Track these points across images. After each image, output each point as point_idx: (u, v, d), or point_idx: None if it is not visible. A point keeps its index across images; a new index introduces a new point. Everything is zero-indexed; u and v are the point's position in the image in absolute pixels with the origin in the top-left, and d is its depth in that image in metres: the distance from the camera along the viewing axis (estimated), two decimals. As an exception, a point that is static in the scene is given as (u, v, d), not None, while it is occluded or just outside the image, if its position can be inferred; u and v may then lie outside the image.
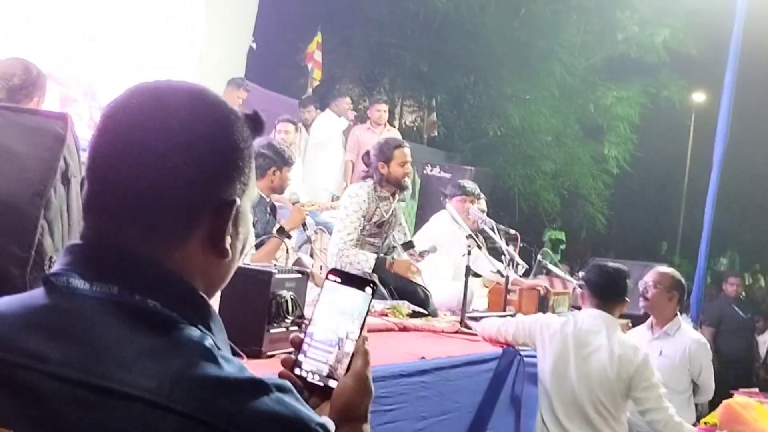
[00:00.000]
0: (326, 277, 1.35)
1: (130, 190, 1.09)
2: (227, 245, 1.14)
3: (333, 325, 1.31)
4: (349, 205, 5.55)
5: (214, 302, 3.31)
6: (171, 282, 1.09)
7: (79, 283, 1.07)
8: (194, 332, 1.07)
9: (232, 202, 1.13)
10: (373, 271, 5.38)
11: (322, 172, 9.28)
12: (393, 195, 5.66)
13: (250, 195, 1.18)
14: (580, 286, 4.91)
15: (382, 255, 5.53)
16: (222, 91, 8.97)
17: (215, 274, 1.16)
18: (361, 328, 1.30)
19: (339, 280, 1.34)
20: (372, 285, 1.33)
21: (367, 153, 5.75)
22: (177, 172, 1.08)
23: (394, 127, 9.66)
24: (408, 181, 5.68)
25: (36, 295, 1.09)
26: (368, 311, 1.31)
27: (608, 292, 4.60)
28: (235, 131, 1.14)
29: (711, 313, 9.97)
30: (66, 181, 2.26)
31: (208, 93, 1.17)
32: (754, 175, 18.85)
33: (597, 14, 16.98)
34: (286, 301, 3.21)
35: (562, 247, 16.26)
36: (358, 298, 1.32)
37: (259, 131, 1.21)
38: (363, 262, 5.39)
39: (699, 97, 20.56)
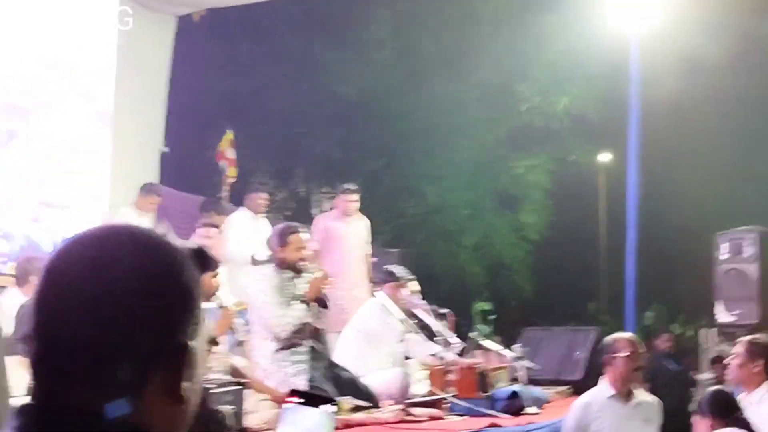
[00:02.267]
0: (286, 399, 1.34)
1: (79, 347, 1.04)
2: (184, 391, 1.09)
3: None
4: (260, 282, 5.77)
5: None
6: None
7: None
8: None
9: (185, 345, 1.09)
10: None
11: (247, 271, 9.02)
12: (295, 275, 5.87)
13: (202, 333, 1.13)
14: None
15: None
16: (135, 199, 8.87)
17: (174, 421, 1.11)
18: None
19: (300, 400, 1.32)
20: (333, 402, 1.31)
21: (270, 238, 6.03)
22: (126, 324, 1.04)
23: (357, 215, 9.11)
24: (305, 265, 5.85)
25: None
26: (333, 429, 1.30)
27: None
28: (184, 273, 1.10)
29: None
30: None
31: (152, 236, 1.13)
32: (668, 227, 19.30)
33: (498, 88, 17.42)
34: (224, 416, 3.12)
35: (492, 317, 16.31)
36: (321, 416, 1.30)
37: (207, 267, 1.16)
38: (298, 313, 5.67)
39: (605, 157, 21.11)
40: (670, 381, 9.99)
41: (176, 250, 1.12)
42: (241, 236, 9.17)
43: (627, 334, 5.81)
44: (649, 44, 11.07)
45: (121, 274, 1.05)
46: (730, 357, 5.01)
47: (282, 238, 5.84)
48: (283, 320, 5.55)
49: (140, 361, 1.05)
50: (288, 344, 5.65)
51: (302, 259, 5.87)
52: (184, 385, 1.09)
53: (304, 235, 6.00)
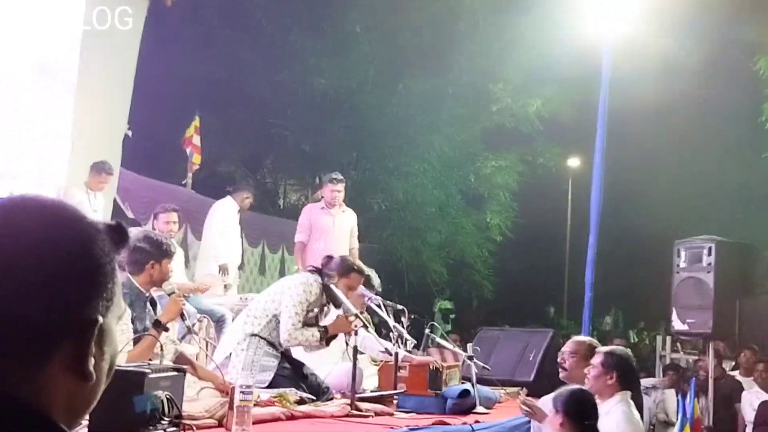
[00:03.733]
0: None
1: None
2: (91, 368, 1.05)
3: None
4: (297, 293, 5.71)
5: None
6: (24, 415, 1.00)
7: None
8: None
9: (94, 321, 1.05)
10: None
11: (224, 259, 8.95)
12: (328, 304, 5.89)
13: (115, 311, 1.10)
14: None
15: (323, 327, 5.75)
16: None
17: (79, 398, 1.07)
18: None
19: None
20: None
21: (330, 257, 6.02)
22: (29, 294, 1.01)
23: (342, 207, 9.06)
24: (345, 307, 5.79)
25: None
26: None
27: None
28: (95, 247, 1.08)
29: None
30: None
31: (65, 207, 1.10)
32: (632, 233, 19.43)
33: (471, 87, 17.45)
34: (162, 401, 3.09)
35: (452, 316, 16.38)
36: None
37: (124, 243, 1.13)
38: (310, 337, 5.67)
39: (574, 162, 21.24)
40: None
41: (88, 224, 1.10)
42: (224, 226, 9.11)
43: (578, 338, 5.80)
44: (622, 49, 11.10)
45: (26, 244, 1.02)
46: (589, 368, 5.00)
47: (346, 271, 5.86)
48: (298, 336, 5.59)
49: (41, 335, 1.02)
50: (263, 337, 5.64)
51: (345, 297, 5.82)
52: (91, 361, 1.05)
53: (361, 283, 6.13)
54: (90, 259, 1.07)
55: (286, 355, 5.77)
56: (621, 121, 13.52)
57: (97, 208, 8.56)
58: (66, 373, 1.04)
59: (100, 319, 1.06)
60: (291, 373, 5.64)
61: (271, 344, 5.65)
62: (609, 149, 10.29)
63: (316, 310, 5.82)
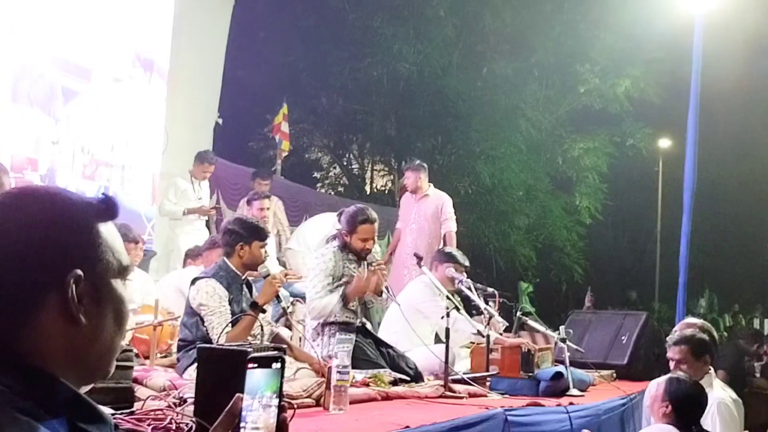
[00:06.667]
0: (247, 366, 1.43)
1: None
2: (78, 313, 1.27)
3: (258, 404, 1.46)
4: (316, 265, 5.66)
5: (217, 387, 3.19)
6: (18, 364, 1.22)
7: None
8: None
9: (70, 273, 1.27)
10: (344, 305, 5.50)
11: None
12: (359, 260, 5.69)
13: (110, 269, 1.33)
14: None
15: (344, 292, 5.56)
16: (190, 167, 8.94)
17: (77, 340, 1.29)
18: (279, 397, 1.47)
19: (255, 365, 1.45)
20: (279, 360, 1.48)
21: (341, 213, 5.86)
22: (11, 261, 1.25)
23: (425, 191, 9.06)
24: (369, 254, 5.70)
25: None
26: (281, 382, 1.48)
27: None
28: (66, 216, 1.31)
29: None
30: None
31: (44, 189, 1.36)
32: (726, 214, 18.97)
33: (557, 69, 17.24)
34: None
35: (531, 296, 16.25)
36: (271, 374, 1.47)
37: (110, 213, 1.36)
38: (328, 304, 5.50)
39: (664, 142, 20.81)
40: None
41: (63, 198, 1.34)
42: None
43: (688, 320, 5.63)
44: (713, 25, 10.81)
45: (11, 226, 1.27)
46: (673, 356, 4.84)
47: (351, 224, 5.64)
48: (316, 294, 5.52)
49: (27, 291, 1.25)
50: (337, 321, 5.62)
51: (366, 249, 5.71)
52: (77, 307, 1.27)
53: (372, 226, 5.91)
54: (61, 226, 1.30)
55: (374, 336, 5.78)
56: (712, 100, 13.20)
57: (201, 196, 8.77)
58: (58, 317, 1.27)
59: (78, 271, 1.27)
60: (373, 347, 5.64)
61: (337, 324, 5.65)
62: (701, 128, 10.06)
63: (347, 275, 5.74)
